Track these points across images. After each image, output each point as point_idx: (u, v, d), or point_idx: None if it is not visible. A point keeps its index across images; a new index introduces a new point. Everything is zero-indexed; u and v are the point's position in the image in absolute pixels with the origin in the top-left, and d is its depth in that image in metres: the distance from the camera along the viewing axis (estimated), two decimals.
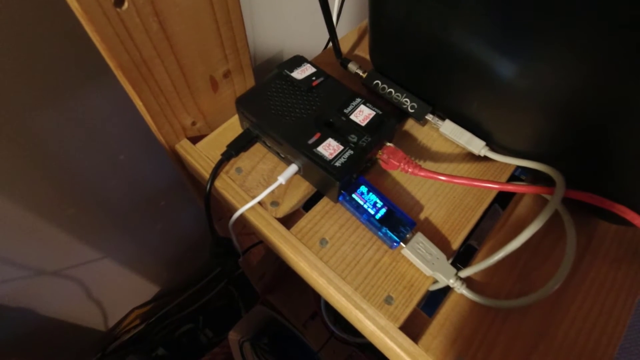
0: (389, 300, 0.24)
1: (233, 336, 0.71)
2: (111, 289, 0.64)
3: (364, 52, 0.38)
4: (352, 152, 0.26)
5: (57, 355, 0.64)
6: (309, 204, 0.29)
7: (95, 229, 0.53)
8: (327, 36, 0.41)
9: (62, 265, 0.53)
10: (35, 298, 0.53)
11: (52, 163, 0.41)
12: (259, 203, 0.27)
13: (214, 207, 0.32)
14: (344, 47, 0.38)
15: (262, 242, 0.47)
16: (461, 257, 0.42)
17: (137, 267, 0.66)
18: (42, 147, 0.39)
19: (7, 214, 0.40)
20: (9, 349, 0.54)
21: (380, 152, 0.28)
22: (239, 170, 0.29)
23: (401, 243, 0.25)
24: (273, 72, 0.30)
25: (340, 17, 0.42)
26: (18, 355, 0.55)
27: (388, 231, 0.25)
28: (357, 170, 0.27)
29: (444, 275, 0.25)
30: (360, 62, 0.34)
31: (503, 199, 0.32)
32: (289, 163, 0.28)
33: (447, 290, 0.26)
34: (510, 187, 0.26)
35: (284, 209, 0.27)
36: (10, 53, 0.31)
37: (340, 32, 0.37)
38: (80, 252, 0.54)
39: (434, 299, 0.33)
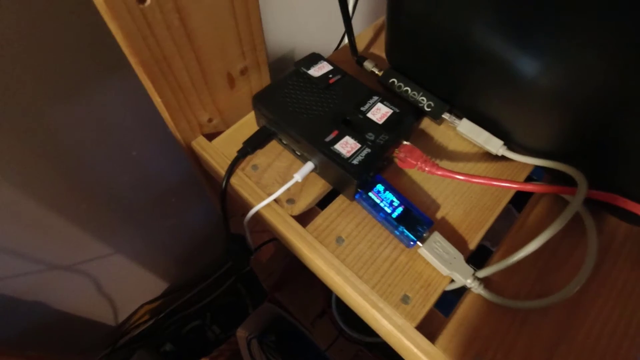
0: (405, 299, 0.24)
1: (241, 333, 0.71)
2: (121, 284, 0.65)
3: (379, 50, 0.37)
4: (369, 150, 0.25)
5: (70, 348, 0.65)
6: (324, 202, 0.29)
7: (106, 225, 0.54)
8: (338, 34, 0.40)
9: (75, 260, 0.54)
10: (48, 292, 0.54)
11: (66, 158, 0.41)
12: (275, 200, 0.27)
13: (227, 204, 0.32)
14: (359, 45, 0.38)
15: (272, 240, 0.47)
16: (474, 258, 0.42)
17: (147, 263, 0.67)
18: (56, 141, 0.39)
19: (22, 209, 0.41)
20: (24, 341, 0.55)
21: (397, 151, 0.27)
22: (255, 167, 0.29)
23: (418, 242, 0.25)
24: (290, 69, 0.30)
25: (354, 15, 0.41)
26: (32, 348, 0.56)
27: (405, 230, 0.25)
28: (375, 168, 0.27)
29: (462, 275, 0.24)
30: (375, 60, 0.34)
31: (517, 200, 0.31)
32: (305, 161, 0.28)
33: (460, 291, 0.26)
34: (529, 187, 0.25)
35: (300, 206, 0.27)
36: (26, 47, 0.31)
37: (354, 31, 0.37)
38: (92, 247, 0.54)
39: (445, 301, 0.33)
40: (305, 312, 0.72)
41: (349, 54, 0.35)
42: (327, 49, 0.41)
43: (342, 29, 0.34)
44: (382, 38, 0.38)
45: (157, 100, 0.25)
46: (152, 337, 0.78)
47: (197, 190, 0.63)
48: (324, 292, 0.64)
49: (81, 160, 0.43)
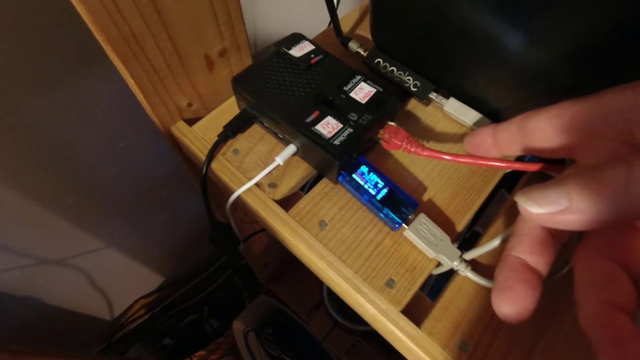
0: (390, 283, 0.24)
1: (237, 326, 0.71)
2: (116, 278, 0.65)
3: (365, 31, 0.36)
4: (351, 130, 0.25)
5: (66, 343, 0.65)
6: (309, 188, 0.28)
7: (97, 218, 0.53)
8: (327, 20, 0.39)
9: (66, 255, 0.53)
10: (40, 287, 0.54)
11: (51, 150, 0.41)
12: (257, 185, 0.26)
13: (215, 193, 0.31)
14: (345, 27, 0.37)
15: (263, 231, 0.47)
16: (467, 244, 0.41)
17: (141, 256, 0.67)
18: (40, 134, 0.39)
19: (7, 203, 0.40)
20: (15, 337, 0.54)
21: (381, 132, 0.27)
22: (236, 151, 0.28)
23: (403, 224, 0.24)
24: (270, 50, 0.29)
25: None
26: (25, 344, 0.56)
27: (389, 212, 0.24)
28: (358, 149, 0.26)
29: (448, 258, 0.24)
30: (361, 41, 0.33)
31: (509, 184, 0.30)
32: (287, 144, 0.27)
33: (449, 276, 0.25)
34: (517, 165, 0.24)
35: (282, 190, 0.27)
36: (7, 39, 0.30)
37: (342, 14, 0.35)
38: (84, 241, 0.54)
39: (434, 287, 0.32)
40: (302, 303, 0.71)
41: (334, 36, 0.34)
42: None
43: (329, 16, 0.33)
44: (368, 19, 0.37)
45: (130, 82, 0.24)
46: (149, 331, 0.78)
47: (188, 182, 0.62)
48: (319, 283, 0.63)
49: (66, 152, 0.42)
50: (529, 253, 0.17)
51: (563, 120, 0.17)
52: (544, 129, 0.18)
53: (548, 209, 0.14)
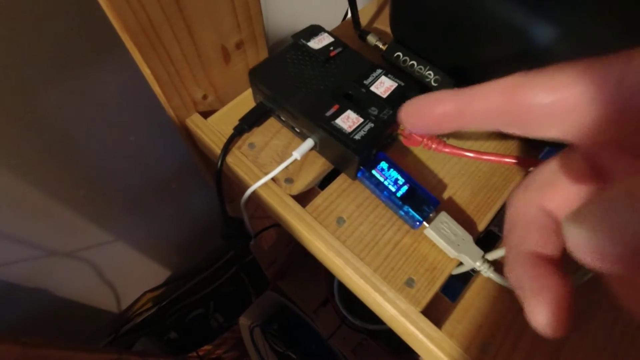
0: (410, 283, 0.23)
1: (243, 321, 0.70)
2: (123, 271, 0.65)
3: (383, 24, 0.36)
4: (372, 125, 0.24)
5: (73, 335, 0.65)
6: (325, 184, 0.27)
7: (107, 211, 0.53)
8: (341, 14, 0.39)
9: (75, 247, 0.53)
10: (49, 279, 0.54)
11: (61, 142, 0.40)
12: (273, 180, 0.26)
13: (225, 188, 0.31)
14: (363, 20, 0.36)
15: (273, 227, 0.46)
16: (482, 244, 0.41)
17: (149, 250, 0.66)
18: (51, 127, 0.38)
19: (19, 194, 0.40)
20: (25, 329, 0.55)
21: (401, 127, 0.26)
22: (251, 145, 0.27)
23: (424, 222, 0.24)
24: (288, 42, 0.28)
25: None
26: (33, 335, 0.56)
27: (410, 210, 0.24)
28: (378, 144, 0.25)
29: (470, 258, 0.23)
30: (379, 34, 0.32)
31: None
32: (304, 138, 0.26)
33: (466, 277, 0.25)
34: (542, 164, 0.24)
35: (299, 186, 0.26)
36: (17, 29, 0.30)
37: (359, 6, 0.35)
38: (93, 234, 0.54)
39: (449, 288, 0.31)
40: (308, 300, 0.71)
41: (351, 29, 0.33)
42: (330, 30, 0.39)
43: (344, 9, 0.32)
44: (387, 11, 0.36)
45: (146, 72, 0.24)
46: (155, 325, 0.78)
47: (198, 177, 0.62)
48: (327, 280, 0.63)
49: (77, 145, 0.42)
50: (541, 243, 0.14)
51: (575, 92, 0.11)
52: (549, 98, 0.11)
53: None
